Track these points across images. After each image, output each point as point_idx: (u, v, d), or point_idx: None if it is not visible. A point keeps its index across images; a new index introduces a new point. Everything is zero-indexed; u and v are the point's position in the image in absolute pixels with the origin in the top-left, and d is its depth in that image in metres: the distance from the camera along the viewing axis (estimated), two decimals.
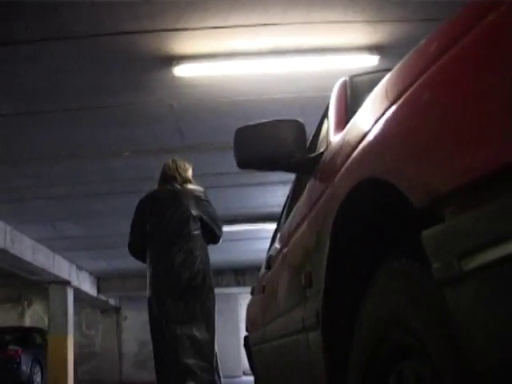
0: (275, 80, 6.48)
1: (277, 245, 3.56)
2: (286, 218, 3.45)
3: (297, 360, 2.56)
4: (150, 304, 5.27)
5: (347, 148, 1.71)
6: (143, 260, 5.38)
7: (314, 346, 2.09)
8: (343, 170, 1.69)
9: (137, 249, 5.43)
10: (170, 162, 5.45)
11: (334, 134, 2.23)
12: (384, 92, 1.42)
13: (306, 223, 2.28)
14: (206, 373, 4.80)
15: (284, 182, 9.91)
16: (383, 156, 1.32)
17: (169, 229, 5.07)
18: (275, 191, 10.47)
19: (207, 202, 5.29)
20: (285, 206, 4.60)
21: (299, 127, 2.35)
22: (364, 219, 1.60)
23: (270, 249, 4.60)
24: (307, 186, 2.43)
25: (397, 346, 1.41)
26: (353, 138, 1.66)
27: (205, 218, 5.17)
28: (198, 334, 4.88)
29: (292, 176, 9.63)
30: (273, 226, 12.30)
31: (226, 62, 6.01)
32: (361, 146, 1.51)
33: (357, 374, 1.62)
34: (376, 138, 1.38)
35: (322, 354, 1.94)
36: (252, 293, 5.19)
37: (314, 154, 2.37)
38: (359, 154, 1.52)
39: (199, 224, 5.13)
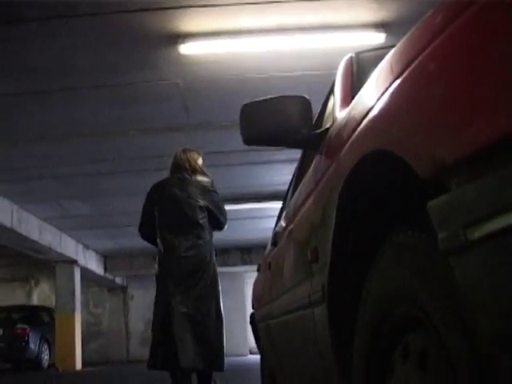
0: (281, 57, 6.46)
1: (283, 222, 3.54)
2: (292, 195, 3.41)
3: (303, 335, 2.53)
4: (158, 281, 5.49)
5: (353, 122, 1.71)
6: (154, 243, 5.55)
7: (319, 320, 2.07)
8: (349, 144, 1.69)
9: (147, 232, 5.63)
10: (181, 151, 5.60)
11: (340, 110, 2.22)
12: (389, 66, 1.42)
13: (311, 198, 2.27)
14: (200, 356, 5.04)
15: (291, 161, 9.90)
16: (389, 128, 1.32)
17: (177, 216, 5.33)
18: (282, 170, 10.46)
19: (214, 191, 5.52)
20: (291, 183, 4.54)
21: (305, 103, 2.32)
22: (369, 193, 1.59)
23: (276, 226, 4.55)
24: (313, 162, 2.41)
25: (402, 320, 1.41)
26: (358, 113, 1.65)
27: (211, 207, 5.41)
28: (198, 314, 5.15)
29: (298, 154, 9.63)
30: (279, 205, 12.31)
31: (231, 40, 6.00)
32: (366, 119, 1.50)
33: (362, 348, 1.62)
34: (381, 111, 1.38)
35: (328, 329, 1.92)
36: (258, 270, 5.09)
37: (319, 130, 2.35)
38: (365, 128, 1.52)
39: (206, 213, 5.39)
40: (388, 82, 1.37)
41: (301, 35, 6.00)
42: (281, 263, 3.21)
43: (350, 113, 1.87)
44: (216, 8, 5.57)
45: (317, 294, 2.05)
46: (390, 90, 1.33)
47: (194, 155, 5.62)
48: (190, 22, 5.73)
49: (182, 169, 5.50)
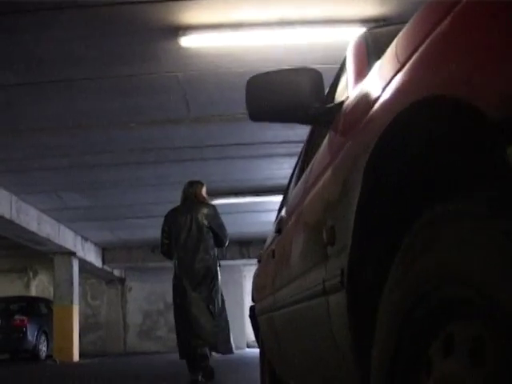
0: (282, 51, 6.44)
1: (288, 207, 3.34)
2: (299, 179, 3.22)
3: (314, 327, 2.30)
4: (175, 290, 7.21)
5: (377, 87, 1.57)
6: (170, 258, 7.38)
7: (336, 310, 1.87)
8: (374, 110, 1.54)
9: (166, 249, 7.44)
10: (188, 185, 7.44)
11: (355, 83, 2.11)
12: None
13: (326, 175, 2.05)
14: (217, 335, 7.02)
15: (291, 155, 9.88)
16: (441, 70, 1.14)
17: (188, 237, 7.08)
18: (282, 163, 10.45)
19: (216, 215, 7.23)
20: (296, 167, 4.30)
21: (316, 76, 2.18)
22: (400, 161, 1.42)
23: (278, 214, 4.42)
24: (327, 138, 2.23)
25: (444, 304, 1.23)
26: (386, 72, 1.50)
27: (214, 228, 7.16)
28: (208, 309, 7.00)
29: (299, 148, 9.61)
30: (279, 199, 12.32)
31: (232, 33, 5.98)
32: (401, 73, 1.35)
33: (388, 339, 1.44)
34: (425, 55, 1.24)
35: (347, 320, 1.70)
36: (259, 261, 4.94)
37: (333, 104, 2.20)
38: (400, 81, 1.35)
39: (211, 233, 7.13)
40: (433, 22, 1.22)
41: (302, 29, 5.98)
42: (288, 249, 2.97)
43: (371, 80, 1.72)
44: (217, 1, 5.55)
45: (333, 281, 1.85)
46: (437, 31, 1.19)
47: (199, 186, 7.39)
48: (192, 14, 5.71)
49: (189, 199, 7.29)
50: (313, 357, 2.54)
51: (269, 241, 4.31)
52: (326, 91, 3.38)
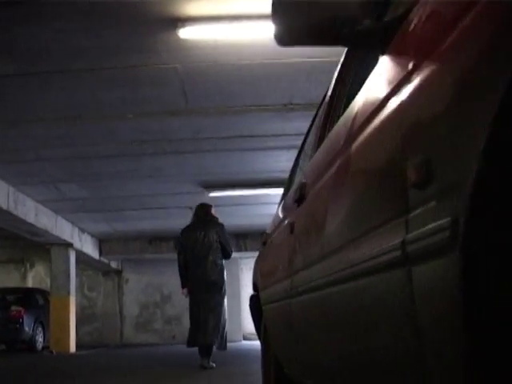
0: None
1: (313, 168, 2.71)
2: (320, 138, 2.76)
3: (372, 313, 1.68)
4: (190, 294, 8.77)
5: None
6: (185, 269, 8.83)
7: (426, 285, 1.30)
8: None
9: (181, 260, 8.87)
10: (200, 207, 9.09)
11: None
12: None
13: (400, 100, 1.47)
14: (215, 332, 8.56)
15: (288, 148, 9.90)
16: None
17: (200, 250, 8.65)
18: (279, 156, 10.45)
19: (224, 232, 8.86)
20: (307, 135, 3.82)
21: None
22: None
23: (283, 197, 4.01)
24: (384, 63, 1.69)
25: None
26: None
27: (222, 241, 8.77)
28: (215, 310, 8.60)
29: (296, 141, 9.58)
30: (276, 191, 12.39)
31: (231, 25, 5.97)
32: None
33: None
34: None
35: (461, 296, 1.13)
36: (264, 243, 4.29)
37: (390, 18, 1.68)
38: None
39: (219, 247, 8.73)
40: None
41: None
42: (320, 216, 2.35)
43: None
44: None
45: (425, 241, 1.26)
46: None
47: (209, 207, 9.05)
48: (190, 6, 5.70)
49: (201, 218, 8.90)
50: (364, 353, 1.87)
51: (277, 219, 3.83)
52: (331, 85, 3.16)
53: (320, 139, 2.79)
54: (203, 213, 8.92)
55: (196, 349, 8.73)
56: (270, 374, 4.14)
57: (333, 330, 2.19)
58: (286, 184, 4.34)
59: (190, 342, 8.69)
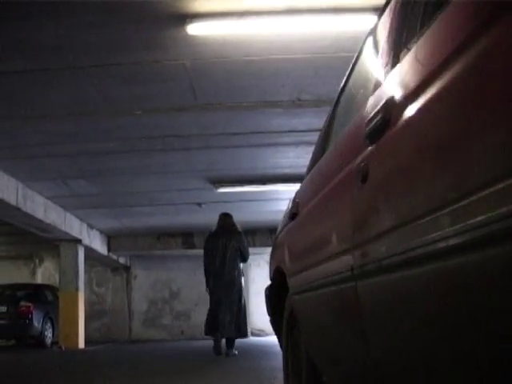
0: (289, 40, 6.43)
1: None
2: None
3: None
4: (211, 292, 10.29)
5: None
6: (209, 271, 10.25)
7: None
8: None
9: (207, 264, 10.25)
10: (223, 216, 10.61)
11: None
12: None
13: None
14: (232, 326, 9.95)
15: (296, 144, 9.91)
16: None
17: (222, 255, 10.12)
18: (287, 152, 10.45)
19: (244, 240, 10.40)
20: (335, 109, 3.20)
21: None
22: None
23: (313, 162, 3.26)
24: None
25: None
26: None
27: (241, 247, 10.26)
28: (234, 306, 10.07)
29: (304, 137, 9.58)
30: (284, 188, 12.41)
31: (240, 21, 5.96)
32: None
33: None
34: None
35: None
36: (294, 214, 3.30)
37: None
38: None
39: (238, 251, 10.22)
40: None
41: (309, 17, 5.96)
42: (416, 151, 1.60)
43: None
44: None
45: None
46: None
47: (230, 217, 10.60)
48: (199, 2, 5.69)
49: (224, 226, 10.40)
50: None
51: (320, 174, 2.95)
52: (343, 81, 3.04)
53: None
54: (226, 222, 10.46)
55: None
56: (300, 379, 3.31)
57: (443, 323, 1.48)
58: (325, 128, 3.30)
59: (207, 332, 10.23)
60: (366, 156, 2.00)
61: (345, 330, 2.39)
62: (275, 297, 3.80)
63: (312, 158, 3.40)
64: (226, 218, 10.56)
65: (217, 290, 10.12)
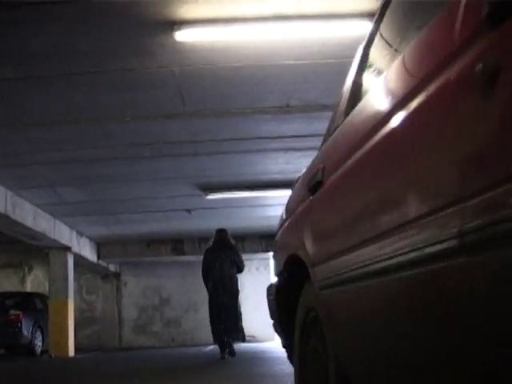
0: (277, 46, 6.45)
1: None
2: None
3: None
4: (210, 298, 11.12)
5: None
6: (206, 281, 11.23)
7: None
8: None
9: (204, 274, 11.16)
10: (219, 232, 11.42)
11: None
12: None
13: None
14: (232, 329, 10.81)
15: (285, 150, 9.93)
16: None
17: (220, 267, 10.98)
18: (276, 158, 10.47)
19: (237, 252, 11.37)
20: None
21: None
22: None
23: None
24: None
25: None
26: None
27: (236, 260, 11.17)
28: (231, 311, 10.85)
29: (293, 143, 9.60)
30: (273, 193, 12.44)
31: (228, 28, 5.98)
32: None
33: None
34: None
35: None
36: (317, 184, 2.57)
37: None
38: None
39: (234, 264, 11.12)
40: None
41: (298, 24, 5.98)
42: None
43: None
44: None
45: None
46: None
47: (226, 233, 11.42)
48: (187, 8, 5.70)
49: (220, 241, 11.24)
50: None
51: (356, 129, 2.21)
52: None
53: None
54: (224, 237, 11.36)
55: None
56: None
57: None
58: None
59: (216, 340, 11.09)
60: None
61: (426, 334, 1.63)
62: (284, 295, 3.18)
63: (332, 118, 2.83)
64: (221, 233, 11.44)
65: (216, 300, 10.96)
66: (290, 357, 3.25)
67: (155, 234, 17.95)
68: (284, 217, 3.32)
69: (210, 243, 11.50)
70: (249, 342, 12.36)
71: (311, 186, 2.64)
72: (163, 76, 7.08)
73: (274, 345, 16.64)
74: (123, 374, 8.98)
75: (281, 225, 3.38)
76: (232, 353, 10.98)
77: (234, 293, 11.10)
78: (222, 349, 10.88)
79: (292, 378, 6.27)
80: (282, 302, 3.22)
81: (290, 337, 3.10)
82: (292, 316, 3.03)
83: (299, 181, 3.10)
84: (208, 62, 6.79)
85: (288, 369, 8.20)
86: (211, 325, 11.10)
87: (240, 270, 11.28)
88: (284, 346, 3.38)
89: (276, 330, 3.49)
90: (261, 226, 16.97)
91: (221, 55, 6.63)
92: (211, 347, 16.27)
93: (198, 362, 10.25)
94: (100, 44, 6.27)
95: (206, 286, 11.31)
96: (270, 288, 3.52)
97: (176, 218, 15.29)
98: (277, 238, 3.50)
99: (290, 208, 3.21)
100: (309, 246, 2.63)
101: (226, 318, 10.82)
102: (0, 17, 5.55)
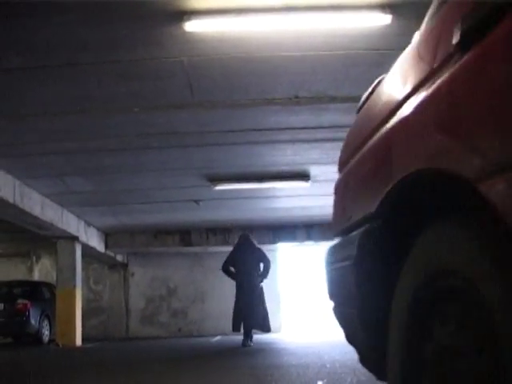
0: (286, 37, 6.43)
1: None
2: None
3: None
4: (237, 290, 12.36)
5: None
6: (231, 277, 12.59)
7: None
8: None
9: (227, 268, 12.55)
10: (246, 234, 12.90)
11: None
12: None
13: None
14: (252, 321, 12.11)
15: (294, 141, 9.91)
16: None
17: (247, 263, 12.30)
18: (284, 150, 10.46)
19: (263, 253, 12.56)
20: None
21: None
22: None
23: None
24: None
25: None
26: None
27: (263, 261, 12.44)
28: (255, 305, 12.11)
29: (302, 135, 9.55)
30: (281, 185, 12.44)
31: (237, 18, 5.96)
32: None
33: None
34: None
35: None
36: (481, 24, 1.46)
37: None
38: None
39: (259, 262, 12.46)
40: None
41: (308, 15, 5.96)
42: None
43: None
44: None
45: None
46: None
47: (251, 236, 12.93)
48: None
49: (245, 243, 12.55)
50: None
51: None
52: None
53: None
54: (247, 239, 12.72)
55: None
56: None
57: None
58: None
59: (235, 329, 12.18)
60: None
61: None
62: (377, 255, 1.92)
63: None
64: (246, 236, 12.86)
65: (243, 294, 12.20)
66: (364, 358, 2.22)
67: (163, 225, 17.97)
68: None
69: (236, 243, 12.95)
70: (254, 333, 12.38)
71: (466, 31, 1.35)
72: (172, 66, 7.07)
73: (279, 336, 16.68)
74: (130, 363, 9.01)
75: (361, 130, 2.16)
76: (246, 343, 11.98)
77: (258, 289, 12.33)
78: (246, 335, 12.13)
79: (298, 370, 6.22)
80: (370, 267, 1.93)
81: (377, 326, 1.91)
82: (388, 290, 1.82)
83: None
84: (217, 53, 6.77)
85: (294, 360, 8.26)
86: (233, 317, 12.24)
87: (266, 267, 12.47)
88: (351, 342, 2.26)
89: (342, 316, 2.29)
90: (268, 217, 16.98)
91: (230, 46, 6.61)
92: (218, 338, 16.33)
93: (204, 351, 10.27)
94: (108, 34, 6.26)
95: (234, 278, 12.51)
96: (334, 250, 2.33)
97: (183, 208, 15.30)
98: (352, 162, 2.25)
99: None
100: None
101: (250, 311, 11.98)
102: (11, 8, 5.55)
